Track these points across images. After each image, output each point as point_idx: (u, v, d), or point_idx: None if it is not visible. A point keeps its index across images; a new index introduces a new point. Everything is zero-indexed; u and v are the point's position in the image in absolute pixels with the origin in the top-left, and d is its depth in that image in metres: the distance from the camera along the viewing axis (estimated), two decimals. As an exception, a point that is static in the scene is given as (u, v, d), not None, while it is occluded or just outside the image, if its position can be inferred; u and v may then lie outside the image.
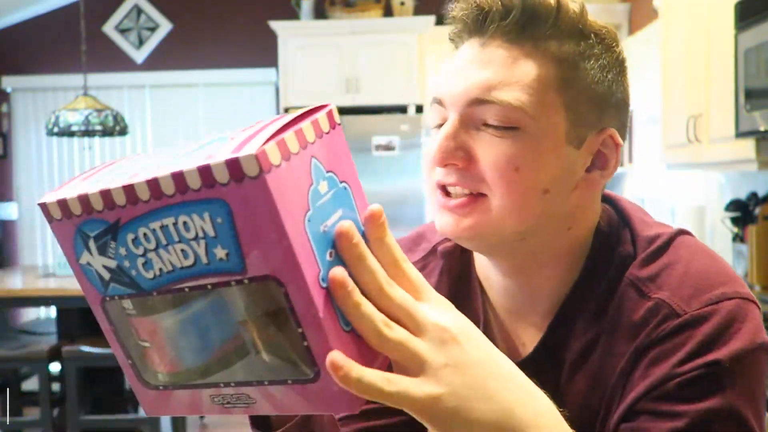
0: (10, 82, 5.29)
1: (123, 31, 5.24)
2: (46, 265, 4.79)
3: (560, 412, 0.61)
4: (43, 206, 0.52)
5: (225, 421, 4.28)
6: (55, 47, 5.22)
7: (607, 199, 0.84)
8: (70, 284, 3.62)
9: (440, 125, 0.75)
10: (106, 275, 0.52)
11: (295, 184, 0.47)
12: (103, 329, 0.55)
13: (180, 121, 5.24)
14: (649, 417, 0.69)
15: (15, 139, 5.34)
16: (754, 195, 2.82)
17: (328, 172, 0.50)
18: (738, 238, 2.87)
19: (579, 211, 0.77)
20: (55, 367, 3.66)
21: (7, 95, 5.33)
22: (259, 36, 4.97)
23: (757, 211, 2.73)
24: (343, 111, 4.62)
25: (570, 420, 0.77)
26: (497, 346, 0.81)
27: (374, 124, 4.55)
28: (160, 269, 0.49)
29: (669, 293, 0.71)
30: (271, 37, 4.79)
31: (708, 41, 2.66)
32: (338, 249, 0.49)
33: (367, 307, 0.49)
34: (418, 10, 4.88)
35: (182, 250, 0.48)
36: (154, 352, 0.53)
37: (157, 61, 5.24)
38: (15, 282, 3.91)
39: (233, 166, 0.44)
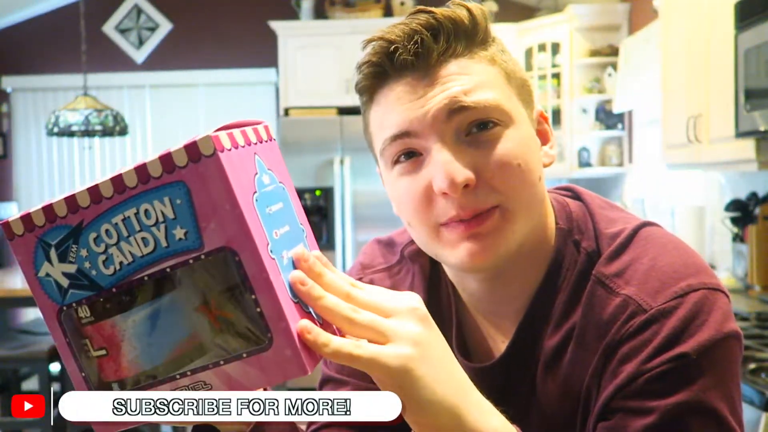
0: (10, 82, 5.29)
1: (123, 31, 5.24)
2: (46, 265, 4.79)
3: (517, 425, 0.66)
4: (5, 224, 0.55)
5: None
6: (55, 47, 5.22)
7: (567, 192, 0.84)
8: (70, 284, 3.62)
9: (411, 162, 0.73)
10: (65, 282, 0.54)
11: (242, 167, 0.53)
12: (57, 344, 0.57)
13: (180, 121, 5.24)
14: (622, 415, 0.69)
15: (15, 139, 5.34)
16: (754, 195, 2.82)
17: (269, 169, 0.57)
18: (738, 238, 2.87)
19: (544, 196, 0.79)
20: (55, 367, 3.66)
21: (7, 95, 5.33)
22: (259, 36, 4.97)
23: (757, 211, 2.73)
24: (344, 111, 4.62)
25: (546, 420, 0.77)
26: (471, 348, 0.82)
27: (374, 124, 4.54)
28: (120, 263, 0.53)
29: (636, 289, 0.71)
30: (271, 37, 4.79)
31: (708, 41, 2.66)
32: (297, 291, 0.55)
33: (331, 298, 0.56)
34: (418, 10, 4.88)
35: (143, 239, 0.52)
36: (110, 361, 0.55)
37: (157, 61, 5.24)
38: (15, 282, 3.91)
39: (191, 148, 0.50)
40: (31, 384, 4.08)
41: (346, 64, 4.67)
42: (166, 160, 0.51)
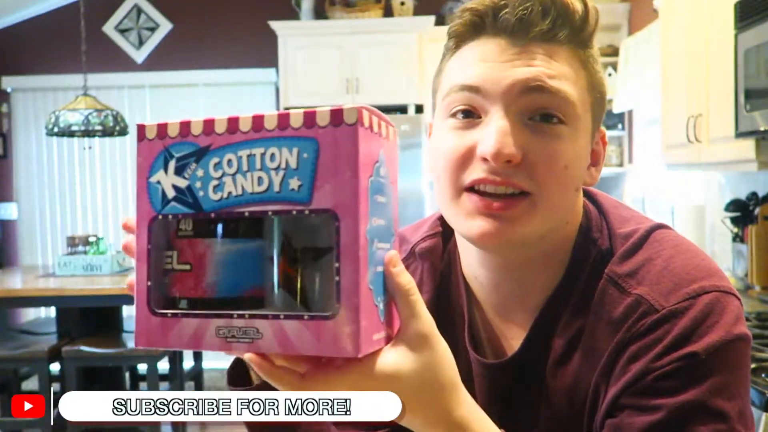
0: (10, 82, 5.29)
1: (123, 31, 5.24)
2: (46, 265, 4.79)
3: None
4: (141, 126, 0.59)
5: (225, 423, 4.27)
6: (55, 47, 5.22)
7: (584, 194, 0.84)
8: (70, 284, 3.62)
9: (466, 119, 0.73)
10: (171, 194, 0.58)
11: (370, 150, 0.55)
12: (138, 248, 0.58)
13: (180, 121, 5.24)
14: (629, 412, 0.69)
15: (15, 139, 5.34)
16: (754, 195, 2.82)
17: (387, 166, 0.59)
18: (738, 238, 2.87)
19: (578, 204, 0.78)
20: (55, 367, 3.66)
21: (7, 95, 5.33)
22: (259, 36, 4.97)
23: (757, 211, 2.73)
24: (343, 111, 4.62)
25: (554, 417, 0.77)
26: (483, 345, 0.82)
27: (374, 124, 4.54)
28: (230, 192, 0.56)
29: (648, 289, 0.72)
30: (271, 37, 4.79)
31: (708, 41, 2.65)
32: (388, 271, 0.58)
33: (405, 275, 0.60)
34: (418, 10, 4.88)
35: (259, 177, 0.55)
36: (189, 277, 0.57)
37: (157, 61, 5.24)
38: (15, 282, 3.91)
39: (336, 113, 0.54)
40: (31, 384, 4.08)
41: (346, 64, 4.67)
42: (309, 116, 0.54)
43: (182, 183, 0.57)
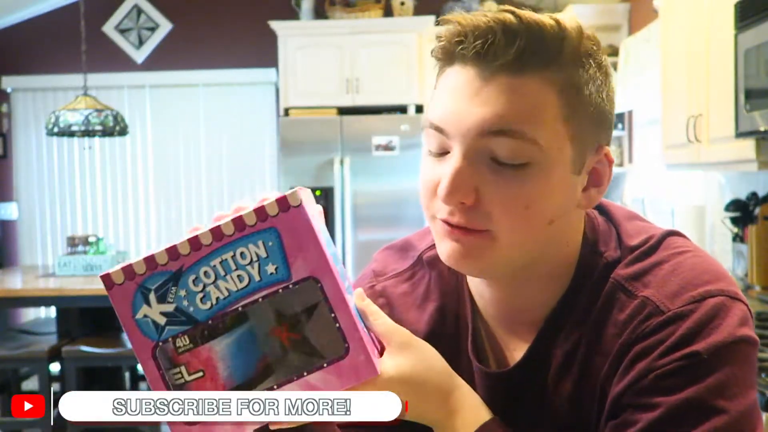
0: (10, 82, 5.29)
1: (123, 31, 5.24)
2: (46, 265, 4.79)
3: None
4: (106, 276, 0.63)
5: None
6: (55, 47, 5.22)
7: (596, 207, 0.83)
8: (69, 284, 3.62)
9: (438, 153, 0.73)
10: (162, 321, 0.63)
11: (312, 219, 0.64)
12: (151, 378, 0.64)
13: (180, 121, 5.24)
14: (630, 411, 0.69)
15: (15, 139, 5.34)
16: (754, 195, 2.82)
17: (318, 219, 0.67)
18: (738, 238, 2.87)
19: (573, 226, 0.77)
20: (55, 367, 3.66)
21: (7, 95, 5.33)
22: (259, 36, 4.96)
23: (757, 211, 2.73)
24: (344, 111, 4.62)
25: (558, 424, 0.78)
26: (487, 355, 0.82)
27: (374, 124, 4.55)
28: (217, 298, 0.63)
29: (654, 291, 0.72)
30: (271, 37, 4.79)
31: (708, 41, 2.65)
32: (361, 309, 0.70)
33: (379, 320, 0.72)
34: (418, 10, 4.88)
35: (238, 276, 0.63)
36: (206, 380, 0.64)
37: (157, 61, 5.24)
38: (15, 282, 3.91)
39: (282, 201, 0.63)
40: (31, 384, 4.08)
41: (346, 64, 4.67)
42: (260, 211, 0.62)
43: (169, 308, 0.63)
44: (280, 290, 0.63)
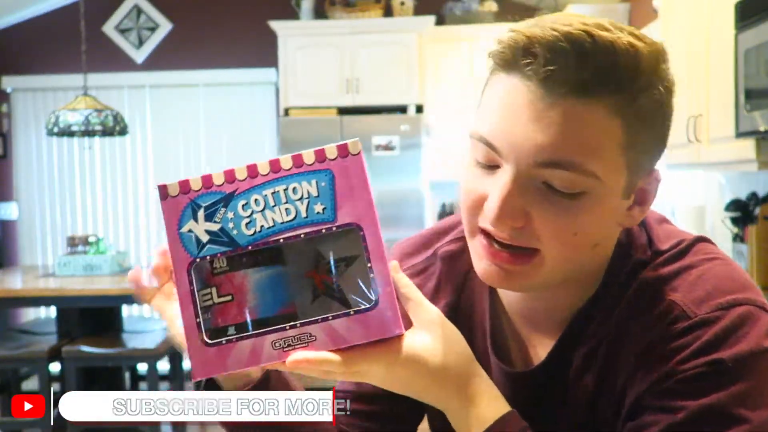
0: (10, 82, 5.29)
1: (123, 31, 5.24)
2: (46, 265, 4.79)
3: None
4: (162, 186, 0.66)
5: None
6: (55, 47, 5.22)
7: None
8: (70, 284, 3.62)
9: (486, 166, 0.70)
10: (205, 238, 0.65)
11: (367, 170, 0.65)
12: (181, 293, 0.65)
13: (180, 121, 5.24)
14: (650, 412, 0.69)
15: (15, 139, 5.34)
16: (754, 195, 2.82)
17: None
18: (738, 238, 2.87)
19: (612, 240, 0.76)
20: (55, 367, 3.66)
21: (7, 95, 5.33)
22: (259, 36, 4.97)
23: (757, 211, 2.73)
24: (343, 111, 4.62)
25: (575, 424, 0.77)
26: (508, 353, 0.82)
27: (374, 124, 4.55)
28: (261, 226, 0.64)
29: (681, 295, 0.71)
30: (271, 37, 4.79)
31: (708, 41, 2.65)
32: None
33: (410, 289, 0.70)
34: (418, 10, 4.88)
35: (286, 209, 0.64)
36: (232, 306, 0.65)
37: (157, 61, 5.24)
38: (15, 282, 3.91)
39: (342, 147, 0.64)
40: (31, 384, 4.08)
41: (346, 64, 4.67)
42: (320, 153, 0.64)
43: (214, 227, 0.65)
44: (323, 230, 0.64)
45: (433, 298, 0.85)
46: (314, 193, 0.64)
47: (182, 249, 0.65)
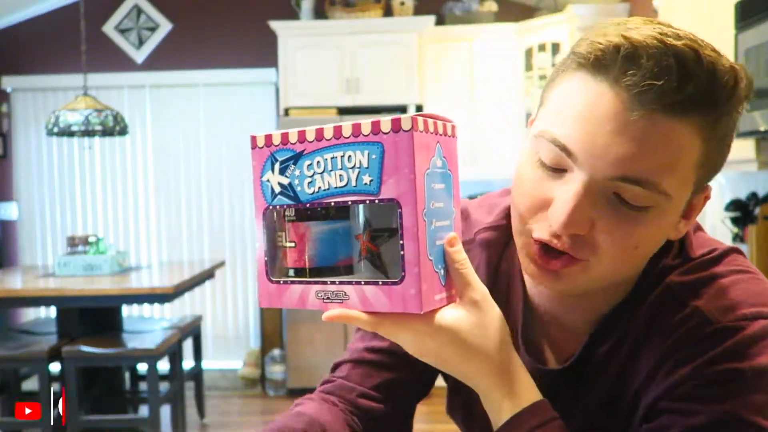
0: (10, 82, 5.29)
1: (123, 31, 5.24)
2: (46, 265, 4.79)
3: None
4: (253, 137, 0.73)
5: (225, 423, 4.28)
6: (55, 47, 5.22)
7: None
8: (70, 284, 3.62)
9: (553, 169, 0.69)
10: (277, 189, 0.72)
11: (425, 148, 0.67)
12: (259, 233, 0.73)
13: (180, 121, 5.24)
14: (668, 415, 0.69)
15: (15, 139, 5.34)
16: (754, 195, 2.82)
17: (444, 157, 0.70)
18: (738, 238, 2.87)
19: (643, 262, 0.76)
20: (55, 367, 3.66)
21: (7, 95, 5.33)
22: (259, 36, 4.97)
23: (757, 211, 2.73)
24: (343, 111, 4.62)
25: (589, 424, 0.77)
26: (537, 348, 0.84)
27: (374, 124, 4.54)
28: (319, 187, 0.69)
29: (706, 302, 0.71)
30: (271, 37, 4.79)
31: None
32: (447, 250, 0.70)
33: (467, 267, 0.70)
34: (418, 10, 4.88)
35: (340, 175, 0.68)
36: (295, 252, 0.72)
37: (157, 61, 5.24)
38: (15, 282, 3.91)
39: (396, 121, 0.66)
40: (31, 384, 4.08)
41: (346, 64, 4.67)
42: (375, 124, 0.66)
43: (285, 181, 0.71)
44: (368, 201, 0.67)
45: None
46: (365, 164, 0.67)
47: (261, 195, 0.73)
